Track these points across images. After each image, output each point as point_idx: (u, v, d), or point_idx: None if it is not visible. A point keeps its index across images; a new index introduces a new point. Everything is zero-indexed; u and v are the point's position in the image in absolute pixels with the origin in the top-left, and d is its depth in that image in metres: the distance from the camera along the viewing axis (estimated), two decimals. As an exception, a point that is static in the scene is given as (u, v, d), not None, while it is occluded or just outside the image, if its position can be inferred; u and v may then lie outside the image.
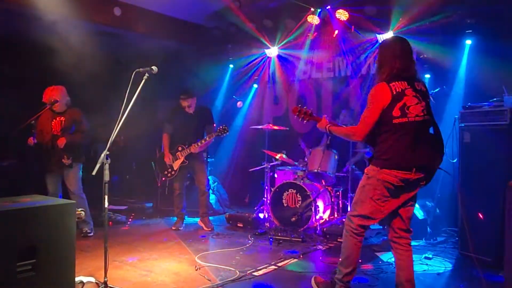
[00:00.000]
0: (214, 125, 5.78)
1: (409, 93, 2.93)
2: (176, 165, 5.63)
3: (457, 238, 4.72)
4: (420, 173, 2.92)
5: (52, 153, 4.96)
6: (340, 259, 3.18)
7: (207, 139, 5.49)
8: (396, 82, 2.94)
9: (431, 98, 5.48)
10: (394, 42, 3.09)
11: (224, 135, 5.47)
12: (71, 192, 5.05)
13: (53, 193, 5.02)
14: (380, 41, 3.16)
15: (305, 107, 3.55)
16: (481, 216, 4.17)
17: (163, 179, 6.38)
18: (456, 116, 4.55)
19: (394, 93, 2.91)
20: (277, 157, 6.00)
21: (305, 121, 3.55)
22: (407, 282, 3.02)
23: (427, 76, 5.79)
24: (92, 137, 5.38)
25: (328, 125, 3.27)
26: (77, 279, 3.28)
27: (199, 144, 5.48)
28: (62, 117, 5.04)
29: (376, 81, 3.05)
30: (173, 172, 5.68)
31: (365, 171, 3.13)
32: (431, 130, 3.07)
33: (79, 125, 5.08)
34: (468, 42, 5.44)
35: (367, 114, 2.97)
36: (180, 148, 5.62)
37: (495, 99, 4.29)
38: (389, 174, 2.92)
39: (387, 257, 4.40)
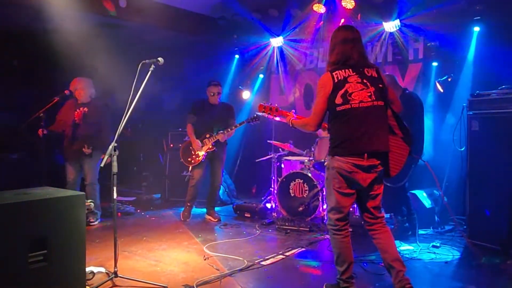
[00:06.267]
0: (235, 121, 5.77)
1: (353, 80, 2.95)
2: (203, 150, 5.61)
3: (465, 227, 4.71)
4: (374, 160, 2.91)
5: (73, 142, 5.14)
6: (334, 260, 3.15)
7: (237, 125, 5.51)
8: (340, 71, 2.98)
9: (438, 86, 5.43)
10: (337, 32, 3.12)
11: (255, 123, 5.48)
12: (86, 182, 5.18)
13: (72, 183, 5.17)
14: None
15: (270, 103, 3.68)
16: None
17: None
18: (464, 104, 4.50)
19: (336, 81, 2.95)
20: (284, 147, 6.00)
21: (271, 117, 3.65)
22: (394, 261, 2.96)
23: (435, 64, 5.72)
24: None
25: (291, 119, 3.35)
26: (87, 269, 3.32)
27: (227, 131, 5.51)
28: (86, 108, 5.23)
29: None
30: (198, 159, 5.64)
31: (325, 164, 3.17)
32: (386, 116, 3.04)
33: (101, 117, 5.26)
34: (476, 29, 5.35)
35: (315, 104, 3.06)
36: (208, 136, 5.60)
37: (503, 86, 4.24)
38: (341, 160, 2.95)
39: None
